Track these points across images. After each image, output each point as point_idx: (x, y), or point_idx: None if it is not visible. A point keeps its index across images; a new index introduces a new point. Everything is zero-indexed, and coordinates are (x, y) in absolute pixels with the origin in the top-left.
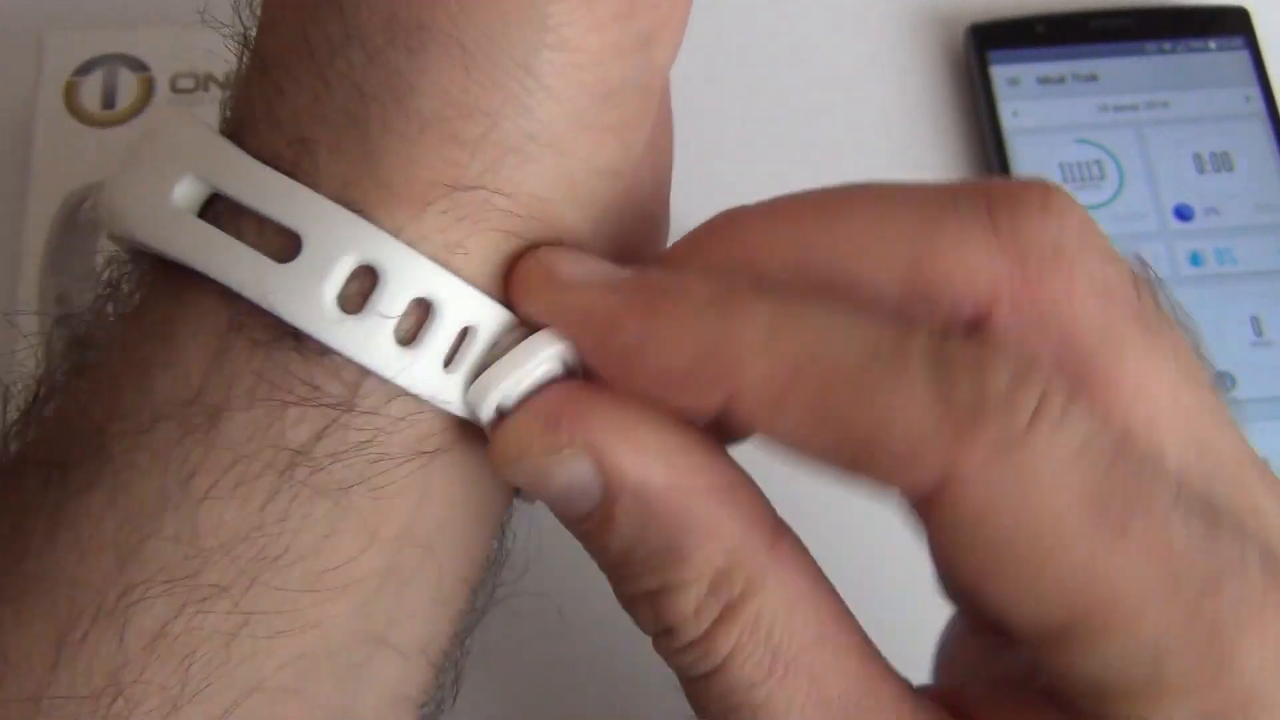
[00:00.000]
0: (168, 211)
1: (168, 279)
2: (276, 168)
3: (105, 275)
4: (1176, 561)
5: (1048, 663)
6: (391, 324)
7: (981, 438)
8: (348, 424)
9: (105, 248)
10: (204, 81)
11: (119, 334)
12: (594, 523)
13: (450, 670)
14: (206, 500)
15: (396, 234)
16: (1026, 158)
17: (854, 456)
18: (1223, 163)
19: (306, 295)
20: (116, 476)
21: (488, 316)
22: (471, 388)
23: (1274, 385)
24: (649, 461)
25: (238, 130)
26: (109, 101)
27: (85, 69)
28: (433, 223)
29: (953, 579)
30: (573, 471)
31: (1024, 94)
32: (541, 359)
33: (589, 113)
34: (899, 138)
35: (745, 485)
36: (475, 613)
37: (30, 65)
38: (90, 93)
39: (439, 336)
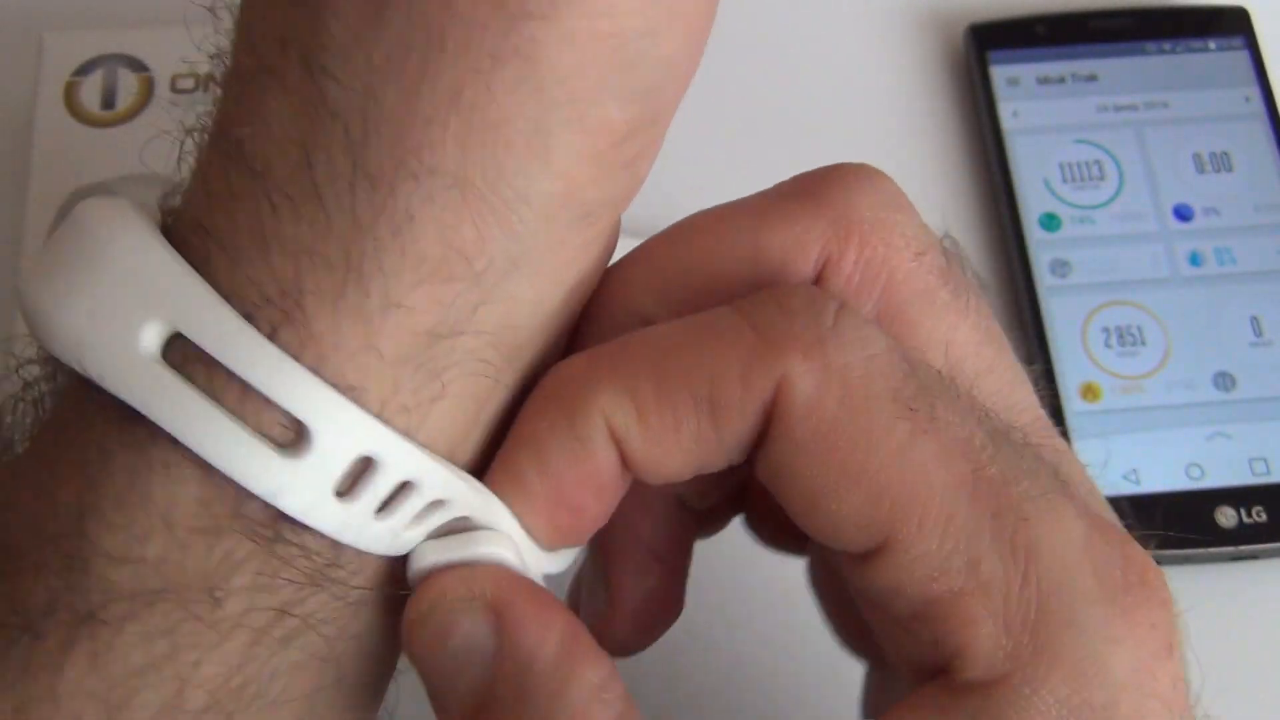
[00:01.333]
0: (135, 358)
1: (120, 425)
2: (266, 317)
3: (20, 376)
4: (977, 458)
5: (877, 583)
6: (375, 506)
7: (794, 339)
8: (328, 581)
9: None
10: (204, 82)
11: (67, 475)
12: (474, 700)
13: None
14: (197, 666)
15: (382, 408)
16: (1026, 158)
17: (711, 415)
18: (1222, 163)
19: (320, 495)
20: (105, 645)
21: (461, 491)
22: (414, 553)
23: (1274, 385)
24: (545, 631)
25: (205, 240)
26: (109, 101)
27: (85, 69)
28: (409, 386)
29: (827, 564)
30: (472, 626)
31: (1024, 94)
32: (482, 554)
33: (568, 233)
34: (899, 138)
35: (621, 688)
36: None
37: (30, 65)
38: (90, 93)
39: (411, 508)
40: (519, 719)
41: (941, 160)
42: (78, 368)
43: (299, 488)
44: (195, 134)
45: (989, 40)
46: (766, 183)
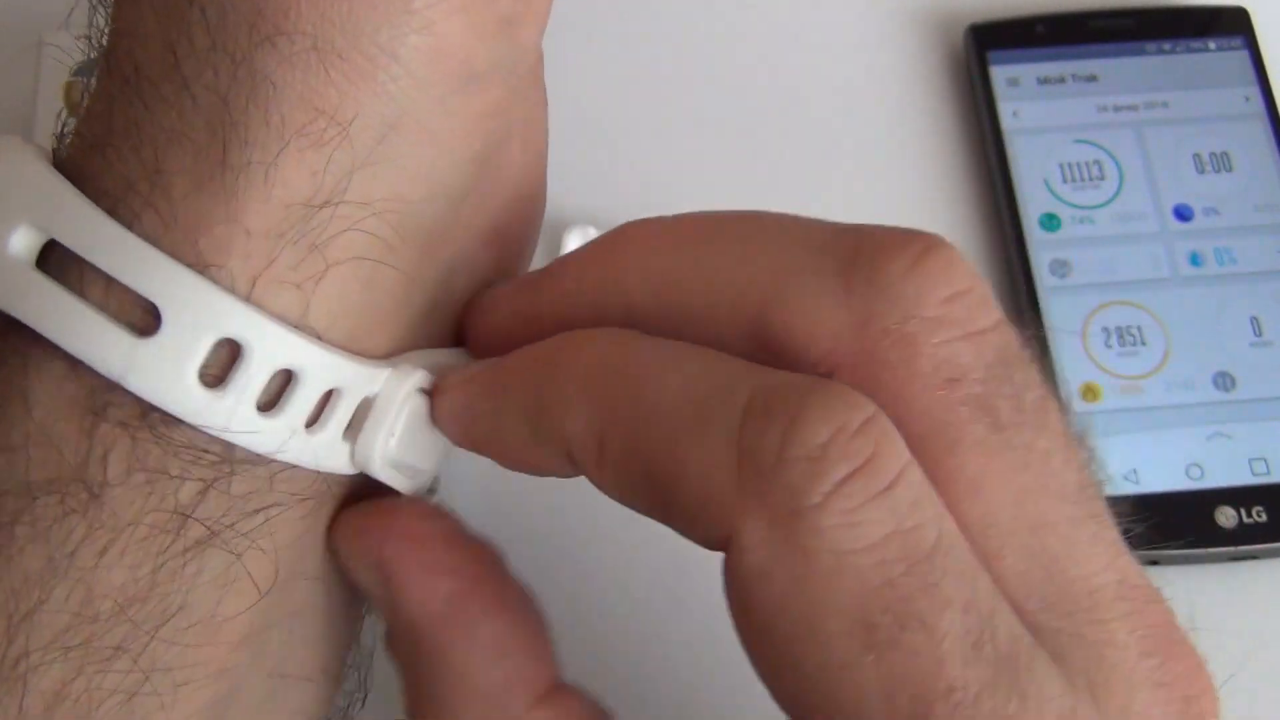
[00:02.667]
0: (5, 263)
1: (3, 333)
2: (129, 206)
3: None
4: (932, 701)
5: None
6: (254, 397)
7: (767, 500)
8: (230, 481)
9: None
10: None
11: None
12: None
13: (355, 674)
14: (96, 569)
15: (252, 285)
16: (1026, 158)
17: (663, 506)
18: (1222, 163)
19: (170, 377)
20: None
21: (348, 375)
22: (356, 453)
23: (1274, 385)
24: (426, 596)
25: (89, 154)
26: None
27: (85, 69)
28: (286, 261)
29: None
30: (366, 582)
31: (1024, 94)
32: (403, 399)
33: (453, 99)
34: (899, 138)
35: (520, 641)
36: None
37: (30, 65)
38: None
39: (301, 402)
40: (410, 673)
41: (941, 160)
42: None
43: (146, 368)
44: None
45: (989, 40)
46: (765, 182)
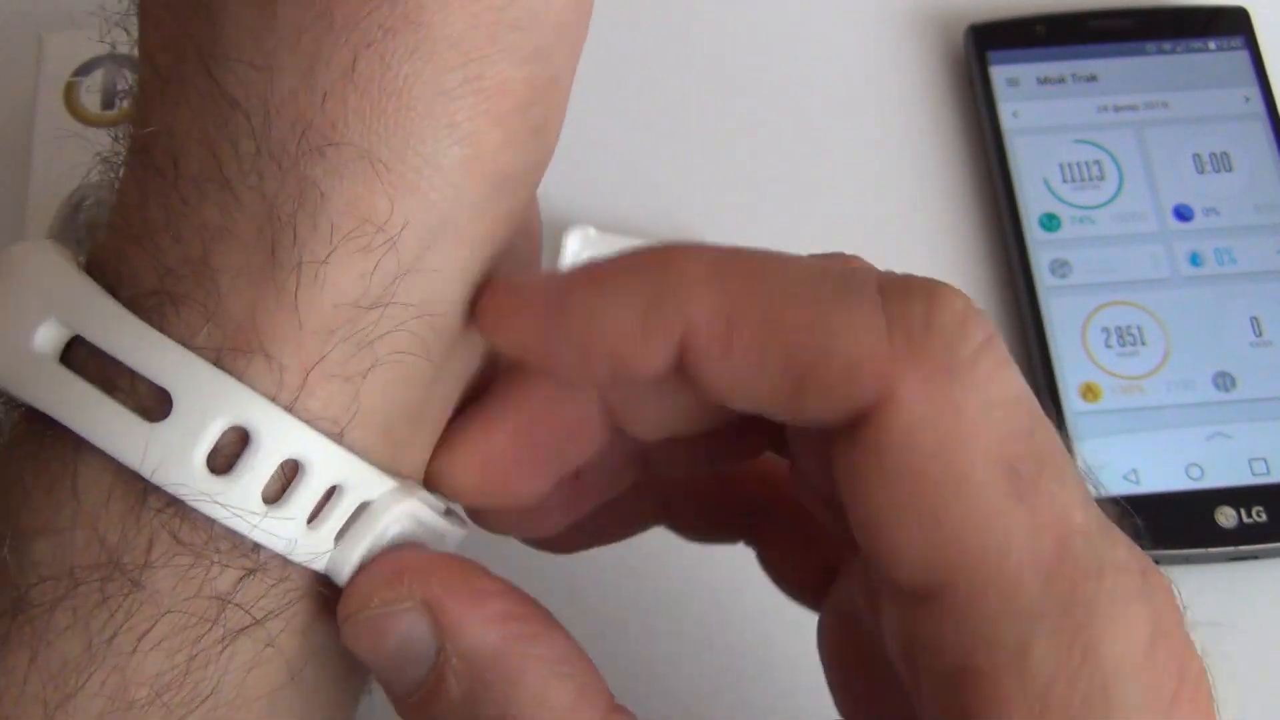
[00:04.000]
0: (30, 358)
1: (41, 426)
2: (169, 295)
3: None
4: (1070, 541)
5: (922, 631)
6: (260, 484)
7: (927, 359)
8: (264, 569)
9: None
10: None
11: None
12: (424, 693)
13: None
14: (134, 654)
15: (305, 377)
16: (1026, 158)
17: (798, 381)
18: (1222, 163)
19: (177, 461)
20: (38, 637)
21: (356, 477)
22: (330, 558)
23: (1274, 385)
24: (486, 625)
25: (126, 243)
26: (109, 101)
27: (85, 69)
28: (338, 356)
29: (852, 531)
30: (409, 629)
31: (1024, 94)
32: (392, 519)
33: (486, 203)
34: (899, 138)
35: (578, 658)
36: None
37: (30, 65)
38: (90, 93)
39: (305, 497)
40: (475, 707)
41: (941, 160)
42: None
43: (157, 451)
44: (109, 161)
45: (989, 40)
46: (765, 182)
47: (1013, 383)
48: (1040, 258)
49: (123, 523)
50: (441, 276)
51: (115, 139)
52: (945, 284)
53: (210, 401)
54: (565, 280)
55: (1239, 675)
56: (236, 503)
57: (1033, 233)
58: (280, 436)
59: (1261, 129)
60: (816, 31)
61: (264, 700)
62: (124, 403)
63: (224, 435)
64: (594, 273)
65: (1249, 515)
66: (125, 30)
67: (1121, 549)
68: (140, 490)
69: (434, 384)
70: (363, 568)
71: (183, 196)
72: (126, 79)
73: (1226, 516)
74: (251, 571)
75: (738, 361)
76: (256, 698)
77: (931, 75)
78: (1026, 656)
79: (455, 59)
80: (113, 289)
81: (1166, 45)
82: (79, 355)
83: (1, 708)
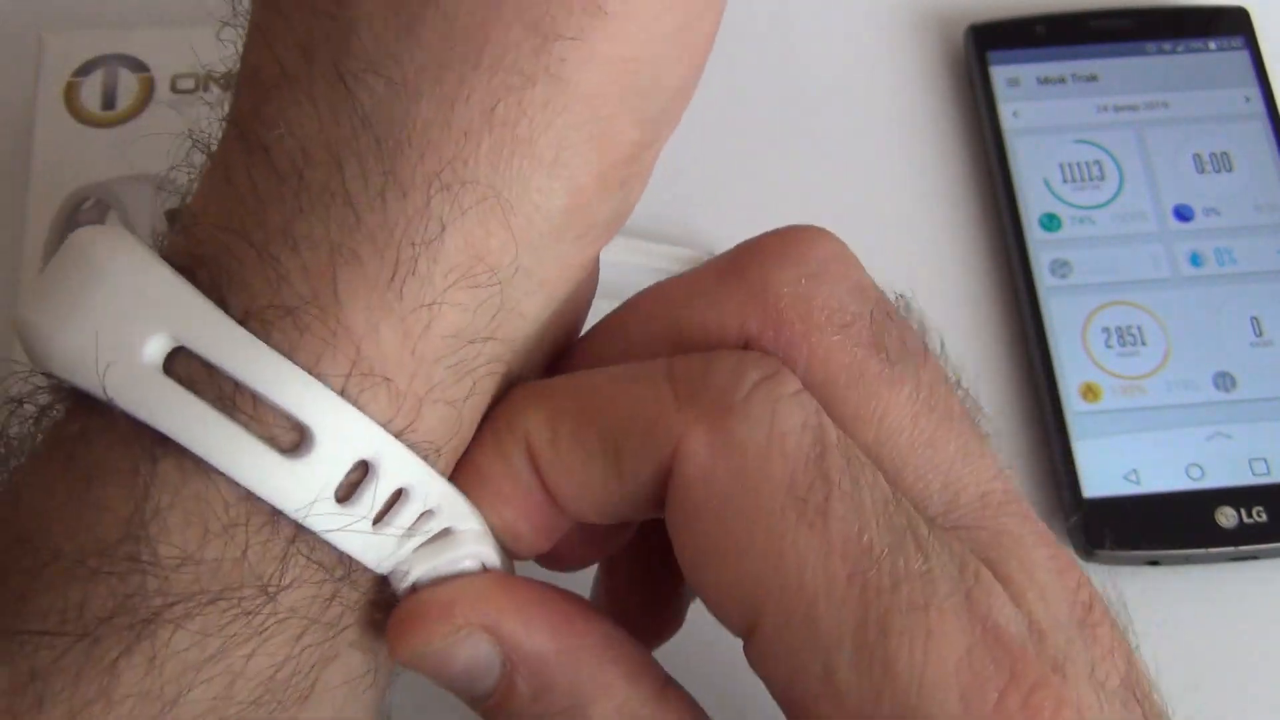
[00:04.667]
0: (142, 373)
1: (149, 437)
2: (288, 311)
3: (25, 410)
4: (860, 560)
5: (753, 660)
6: (373, 512)
7: (705, 407)
8: (354, 583)
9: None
10: (204, 82)
11: (105, 485)
12: (497, 698)
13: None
14: (251, 657)
15: (420, 403)
16: (1026, 158)
17: (614, 454)
18: (1222, 163)
19: (317, 499)
20: (158, 642)
21: (451, 508)
22: (394, 568)
23: (1274, 385)
24: (541, 633)
25: (233, 240)
26: (109, 101)
27: (85, 69)
28: (445, 382)
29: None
30: (473, 651)
31: (1024, 94)
32: (467, 554)
33: (568, 250)
34: (899, 138)
35: (627, 643)
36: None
37: (30, 65)
38: (90, 93)
39: (404, 519)
40: (545, 702)
41: (941, 160)
42: (83, 386)
43: (301, 492)
44: (200, 142)
45: (989, 40)
46: (766, 182)
47: (794, 413)
48: (1040, 258)
49: (263, 550)
50: (523, 316)
51: (219, 120)
52: (727, 350)
53: (350, 443)
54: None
55: (1239, 675)
56: (355, 526)
57: (1033, 233)
58: (399, 469)
59: (1261, 129)
60: (817, 31)
61: (341, 689)
62: (254, 432)
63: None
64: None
65: (1249, 515)
66: (233, 25)
67: (936, 555)
68: (272, 516)
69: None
70: (416, 589)
71: (301, 206)
72: (127, 78)
73: (1226, 516)
74: (349, 579)
75: (565, 451)
76: (335, 686)
77: (931, 75)
78: (832, 682)
79: (584, 115)
80: (220, 293)
81: (1166, 45)
82: (184, 367)
83: (114, 708)
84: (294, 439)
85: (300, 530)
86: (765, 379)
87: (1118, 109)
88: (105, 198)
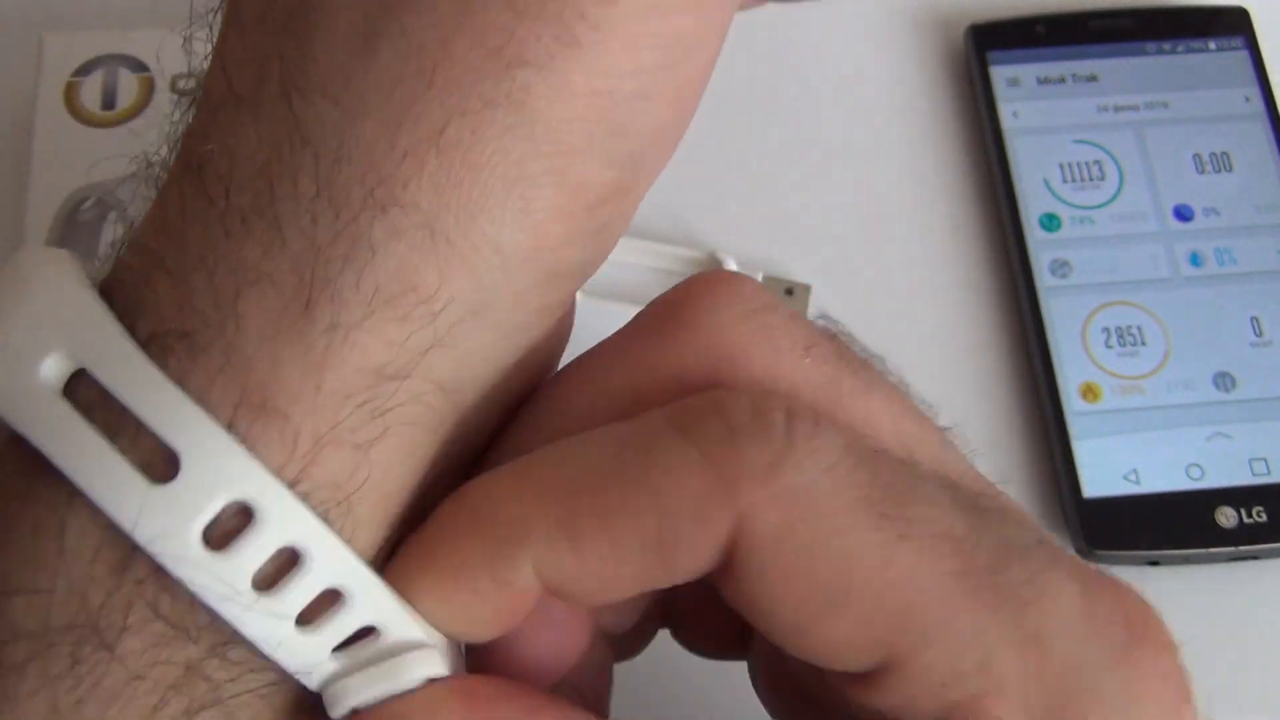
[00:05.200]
0: (33, 389)
1: (32, 463)
2: (189, 336)
3: None
4: (962, 550)
5: (887, 701)
6: (254, 568)
7: (749, 468)
8: (233, 646)
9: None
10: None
11: None
12: None
13: None
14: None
15: (315, 442)
16: (1026, 158)
17: (660, 552)
18: (1222, 163)
19: (175, 532)
20: (5, 697)
21: (357, 582)
22: (330, 689)
23: (1274, 385)
24: None
25: (152, 269)
26: (109, 101)
27: (85, 69)
28: (350, 423)
29: (774, 665)
30: None
31: (1024, 94)
32: (411, 680)
33: (531, 294)
34: (899, 137)
35: None
36: None
37: (30, 65)
38: (90, 93)
39: (299, 592)
40: None
41: (941, 160)
42: None
43: (155, 517)
44: (157, 163)
45: (989, 40)
46: (766, 182)
47: (833, 437)
48: (1040, 258)
49: (106, 585)
50: (469, 356)
51: (169, 145)
52: (725, 391)
53: (220, 474)
54: (432, 576)
55: (1239, 675)
56: (226, 581)
57: (1033, 233)
58: (285, 522)
59: (1261, 129)
60: (816, 31)
61: None
62: (127, 454)
63: (225, 508)
64: (441, 559)
65: (1249, 515)
66: (209, 29)
67: (1011, 526)
68: (127, 551)
69: (436, 463)
70: (356, 713)
71: (226, 228)
72: (127, 79)
73: (1226, 516)
74: (218, 646)
75: (592, 558)
76: None
77: (931, 75)
78: (989, 672)
79: (547, 147)
80: (131, 318)
81: (1166, 45)
82: (84, 389)
83: None
84: (169, 465)
85: (157, 574)
86: (790, 415)
87: (1118, 109)
88: (105, 198)
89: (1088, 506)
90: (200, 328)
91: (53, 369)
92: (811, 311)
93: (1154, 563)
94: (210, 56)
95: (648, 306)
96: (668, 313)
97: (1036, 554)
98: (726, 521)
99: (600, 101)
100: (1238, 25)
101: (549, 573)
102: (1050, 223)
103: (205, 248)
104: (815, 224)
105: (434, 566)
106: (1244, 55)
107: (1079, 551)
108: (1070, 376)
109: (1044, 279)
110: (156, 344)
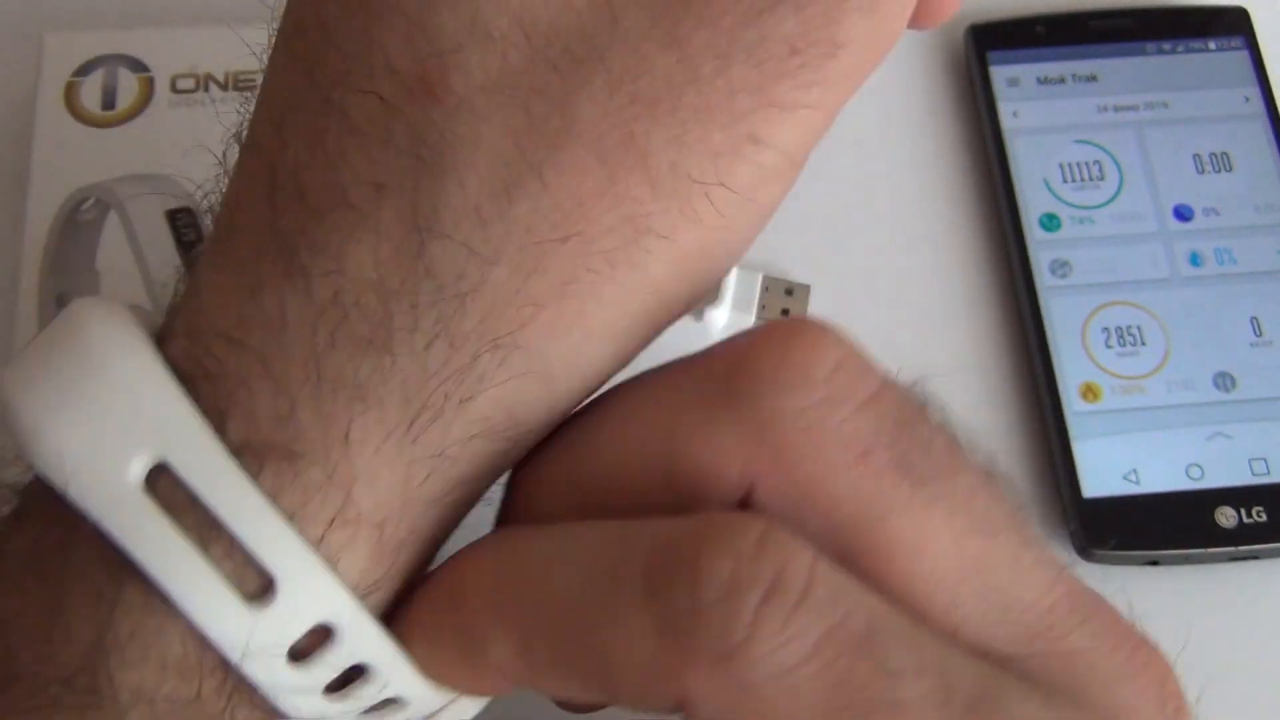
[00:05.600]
0: (126, 496)
1: (108, 558)
2: (288, 455)
3: None
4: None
5: None
6: (326, 681)
7: (700, 654)
8: None
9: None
10: (204, 82)
11: (71, 606)
12: None
13: None
14: None
15: (384, 558)
16: (1026, 158)
17: (605, 692)
18: (1222, 163)
19: (268, 652)
20: None
21: (422, 699)
22: None
23: (1274, 385)
24: None
25: (249, 364)
26: (109, 101)
27: (85, 69)
28: (423, 524)
29: None
30: None
31: (1024, 94)
32: None
33: (594, 390)
34: (899, 137)
35: None
36: None
37: (30, 65)
38: (90, 93)
39: (365, 700)
40: None
41: (941, 160)
42: (61, 490)
43: (255, 642)
44: (212, 197)
45: (989, 40)
46: None
47: (806, 633)
48: (1040, 258)
49: (209, 685)
50: (532, 435)
51: (219, 175)
52: (713, 531)
53: (314, 601)
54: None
55: (1239, 675)
56: (302, 690)
57: (1033, 233)
58: (361, 641)
59: (1261, 129)
60: None
61: None
62: (219, 565)
63: (312, 628)
64: (419, 619)
65: (1249, 515)
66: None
67: (1027, 702)
68: (217, 661)
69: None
70: None
71: (333, 339)
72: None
73: (1226, 516)
74: None
75: (545, 679)
76: None
77: (931, 75)
78: None
79: (650, 301)
80: (220, 416)
81: (1166, 45)
82: (169, 487)
83: None
84: (261, 584)
85: (240, 684)
86: (767, 598)
87: (1118, 109)
88: (105, 198)
89: (1088, 506)
90: (301, 444)
91: (138, 465)
92: (812, 310)
93: (1154, 563)
94: (288, 132)
95: (716, 347)
96: (727, 374)
97: None
98: (670, 696)
99: (704, 264)
100: (1238, 25)
101: (510, 673)
102: (1050, 223)
103: (309, 356)
104: (815, 224)
105: (419, 642)
106: (1244, 55)
107: (1079, 551)
108: (1070, 376)
109: (1044, 279)
110: (250, 453)
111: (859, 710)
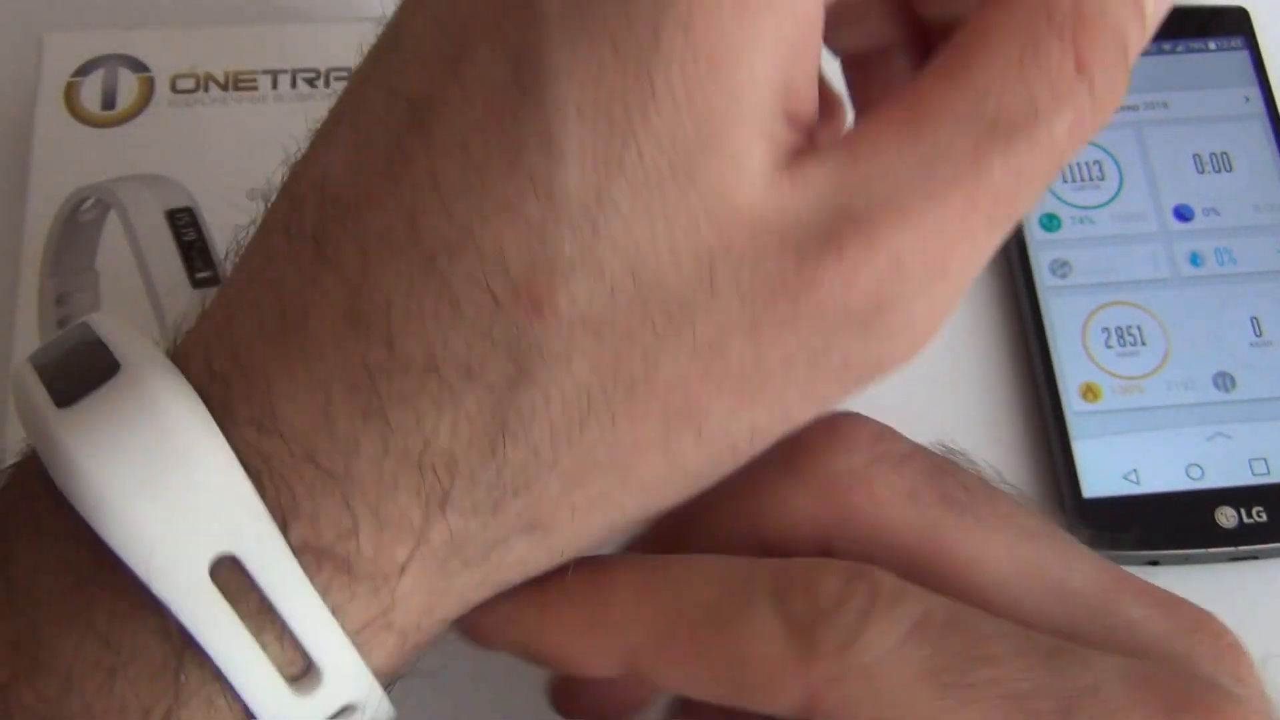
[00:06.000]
0: (199, 583)
1: (170, 634)
2: (343, 564)
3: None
4: (1027, 705)
5: None
6: None
7: (823, 648)
8: None
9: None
10: (204, 82)
11: (135, 686)
12: None
13: None
14: None
15: (407, 651)
16: None
17: (736, 692)
18: (1222, 163)
19: None
20: None
21: None
22: None
23: (1274, 385)
24: None
25: (322, 482)
26: (109, 102)
27: (85, 69)
28: (431, 630)
29: None
30: None
31: None
32: None
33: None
34: None
35: None
36: None
37: (30, 65)
38: (90, 93)
39: None
40: None
41: None
42: (134, 567)
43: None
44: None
45: None
46: None
47: (905, 614)
48: (1040, 258)
49: None
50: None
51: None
52: (823, 565)
53: (350, 689)
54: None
55: None
56: None
57: (1033, 233)
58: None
59: (1261, 129)
60: None
61: None
62: (269, 650)
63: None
64: (551, 603)
65: (1249, 515)
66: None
67: (1086, 677)
68: None
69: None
70: None
71: (396, 479)
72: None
73: (1226, 516)
74: None
75: (678, 678)
76: None
77: None
78: None
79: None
80: (285, 514)
81: (1166, 45)
82: (229, 573)
83: None
84: (301, 668)
85: None
86: (873, 595)
87: (1118, 109)
88: (105, 198)
89: (1088, 506)
90: (359, 563)
91: (211, 556)
92: None
93: (1154, 563)
94: (396, 328)
95: (773, 448)
96: (787, 464)
97: (1119, 696)
98: (797, 691)
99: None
100: (1238, 25)
101: (638, 656)
102: (1050, 222)
103: (374, 488)
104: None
105: (557, 602)
106: (1244, 55)
107: None
108: (1070, 376)
109: (1044, 279)
110: (310, 554)
111: (959, 668)
